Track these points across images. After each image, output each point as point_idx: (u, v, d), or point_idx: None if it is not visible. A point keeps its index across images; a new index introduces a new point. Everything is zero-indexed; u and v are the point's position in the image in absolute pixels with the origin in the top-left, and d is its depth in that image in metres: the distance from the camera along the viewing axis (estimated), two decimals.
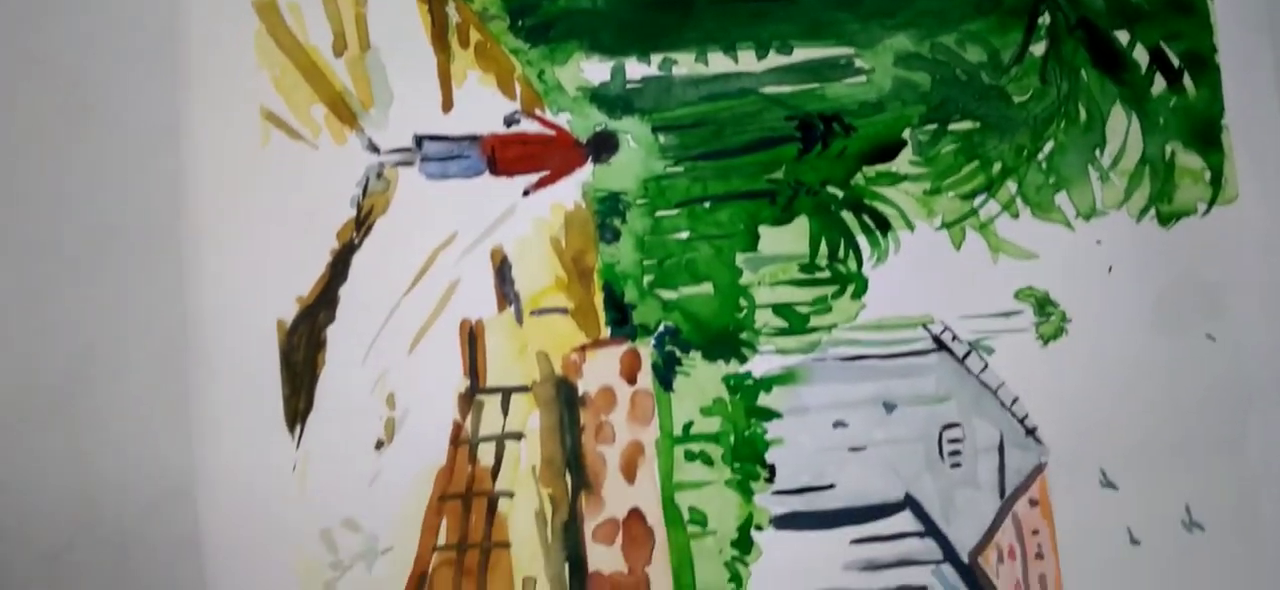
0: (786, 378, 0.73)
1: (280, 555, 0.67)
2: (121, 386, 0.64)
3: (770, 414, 0.73)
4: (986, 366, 0.74)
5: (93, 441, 0.64)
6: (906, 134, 0.71)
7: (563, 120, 0.69)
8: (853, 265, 0.70)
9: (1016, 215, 0.72)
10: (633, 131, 0.71)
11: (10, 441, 0.63)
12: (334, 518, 0.68)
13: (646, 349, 0.68)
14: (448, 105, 0.67)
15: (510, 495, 0.70)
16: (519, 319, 0.66)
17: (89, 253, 0.63)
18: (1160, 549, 0.75)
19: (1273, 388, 0.75)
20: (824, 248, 0.70)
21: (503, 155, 0.67)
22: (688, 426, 0.72)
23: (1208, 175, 0.72)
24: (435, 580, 0.68)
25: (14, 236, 0.62)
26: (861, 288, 0.71)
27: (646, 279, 0.69)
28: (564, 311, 0.67)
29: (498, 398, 0.67)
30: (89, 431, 0.64)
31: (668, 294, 0.69)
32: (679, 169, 0.70)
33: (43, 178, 0.63)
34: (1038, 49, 0.72)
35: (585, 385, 0.69)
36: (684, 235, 0.70)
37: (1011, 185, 0.72)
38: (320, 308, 0.65)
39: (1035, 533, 0.75)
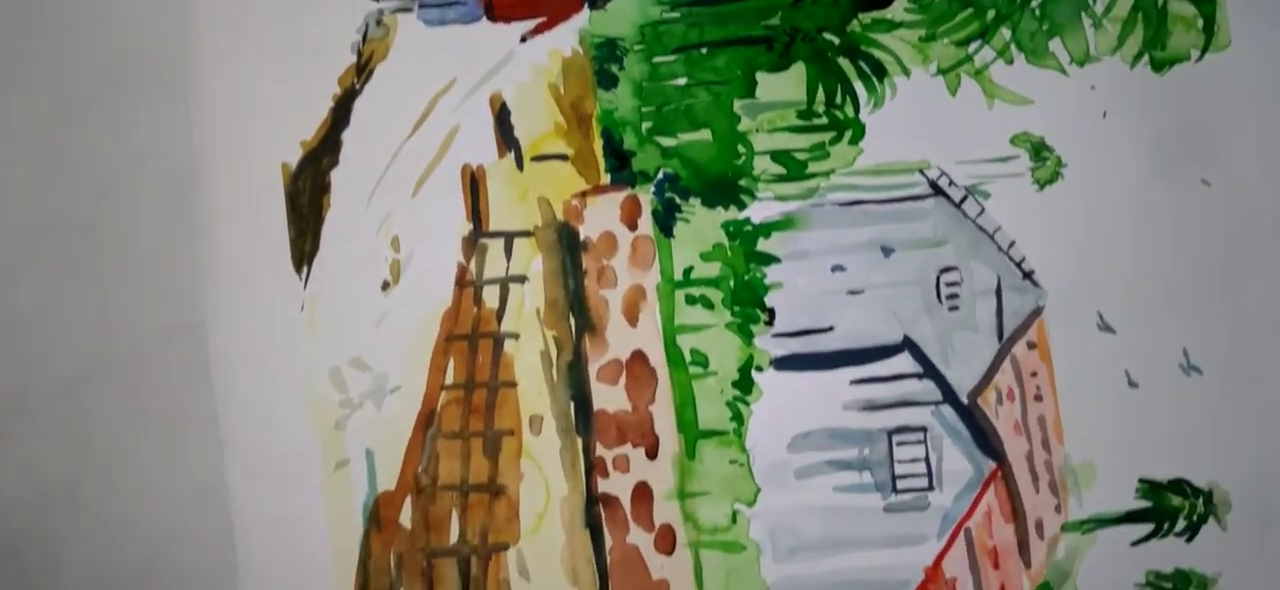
0: (785, 223, 0.74)
1: (291, 392, 0.68)
2: (132, 223, 0.66)
3: (769, 259, 0.74)
4: (983, 211, 0.75)
5: (106, 276, 0.66)
6: None
7: None
8: (850, 111, 0.71)
9: (1011, 61, 0.74)
10: None
11: (25, 277, 0.65)
12: (342, 357, 0.69)
13: (646, 195, 0.69)
14: None
15: (516, 337, 0.71)
16: (519, 165, 0.68)
17: (100, 91, 0.65)
18: (1158, 392, 0.75)
19: (1267, 233, 0.76)
20: (821, 94, 0.71)
21: (499, 0, 0.68)
22: (688, 271, 0.73)
23: (1200, 22, 0.73)
24: (444, 417, 0.69)
25: (26, 74, 0.64)
26: (858, 133, 0.73)
27: (645, 125, 0.70)
28: (564, 158, 0.69)
29: (501, 242, 0.69)
30: (101, 266, 0.66)
31: (666, 140, 0.70)
32: (675, 14, 0.71)
33: (53, 13, 0.65)
34: None
35: (586, 231, 0.70)
36: (681, 82, 0.71)
37: (1005, 31, 0.73)
38: (324, 152, 0.67)
39: (1034, 375, 0.76)
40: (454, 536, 0.69)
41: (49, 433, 0.66)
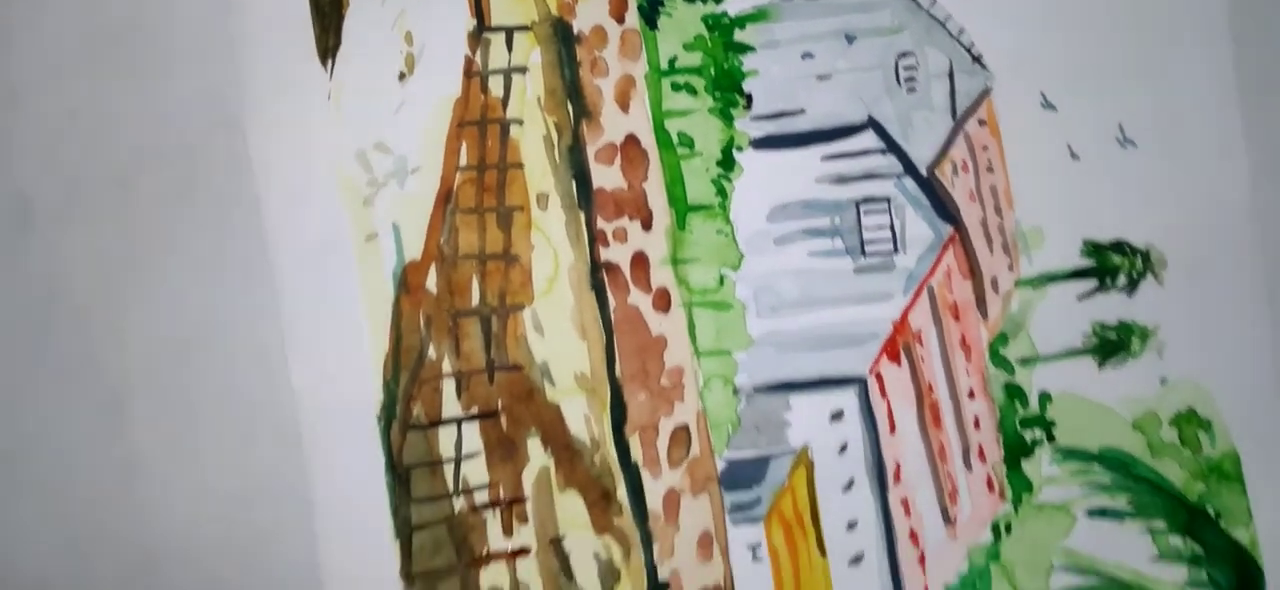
0: (758, 15, 0.81)
1: (322, 174, 0.74)
2: (175, 28, 0.73)
3: (745, 48, 0.81)
4: (936, 1, 0.82)
5: (153, 77, 0.73)
6: None
7: None
8: None
9: None
10: None
11: (80, 78, 0.72)
12: (367, 141, 0.76)
13: None
14: None
15: (520, 123, 0.77)
16: None
17: None
18: (1097, 163, 0.83)
19: (1192, 16, 0.84)
20: None
21: None
22: (672, 61, 0.80)
23: None
24: (460, 195, 0.76)
25: None
26: None
27: None
28: None
29: (502, 36, 0.76)
30: (149, 68, 0.73)
31: None
32: None
33: None
34: None
35: (579, 24, 0.77)
36: None
37: None
38: None
39: (985, 148, 0.83)
40: (475, 299, 0.75)
41: (106, 217, 0.71)
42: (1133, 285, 0.84)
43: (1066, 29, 0.83)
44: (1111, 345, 0.84)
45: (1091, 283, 0.83)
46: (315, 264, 0.75)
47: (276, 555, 0.71)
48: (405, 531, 0.73)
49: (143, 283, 0.71)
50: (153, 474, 0.69)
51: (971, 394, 0.83)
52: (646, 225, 0.79)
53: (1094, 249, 0.84)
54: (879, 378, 0.81)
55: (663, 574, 0.76)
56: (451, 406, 0.75)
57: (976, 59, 0.83)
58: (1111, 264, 0.84)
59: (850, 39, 0.82)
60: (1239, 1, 0.84)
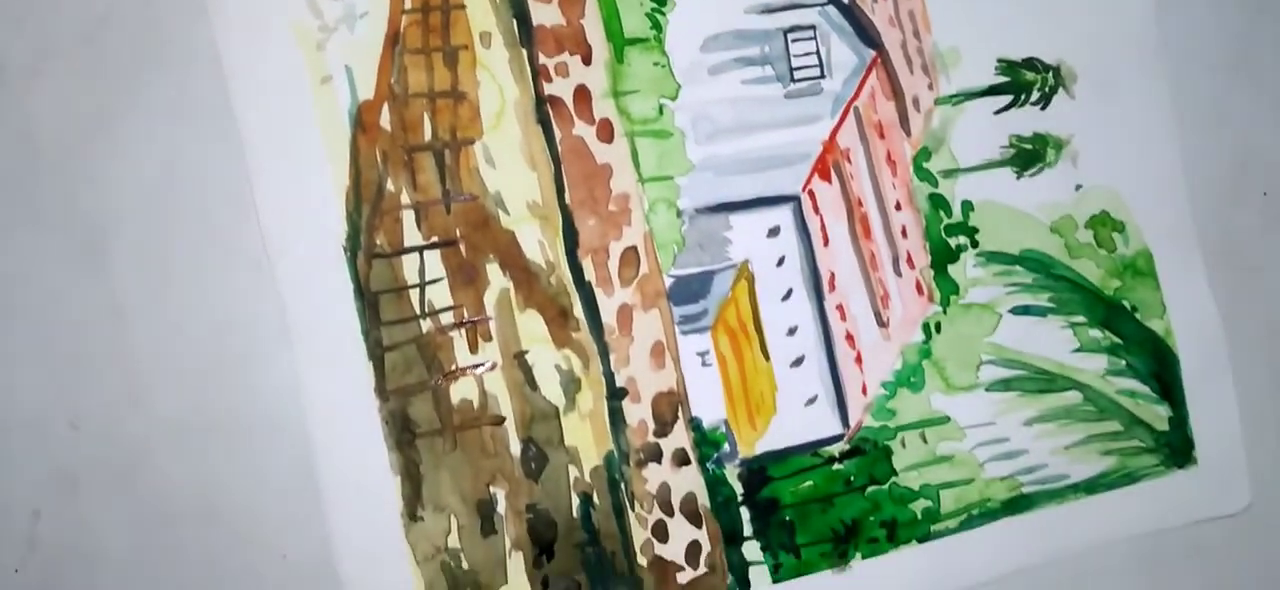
0: None
1: (276, 21, 0.79)
2: None
3: None
4: None
5: None
6: None
7: None
8: None
9: None
10: None
11: None
12: None
13: None
14: None
15: None
16: None
17: None
18: None
19: None
20: None
21: None
22: None
23: None
24: (407, 37, 0.80)
25: None
26: None
27: None
28: None
29: None
30: None
31: None
32: None
33: None
34: None
35: None
36: None
37: None
38: None
39: None
40: (428, 135, 0.79)
41: (76, 72, 0.75)
42: (1046, 100, 0.91)
43: None
44: (1028, 155, 0.90)
45: (1006, 98, 0.90)
46: (275, 107, 0.78)
47: (258, 380, 0.76)
48: (377, 352, 0.77)
49: (114, 133, 0.75)
50: (135, 309, 0.72)
51: (898, 206, 0.89)
52: (587, 60, 0.83)
53: (1008, 66, 0.90)
54: (812, 195, 0.87)
55: (620, 380, 0.81)
56: (413, 236, 0.79)
57: None
58: (1025, 80, 0.90)
59: None
60: None
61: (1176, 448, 0.92)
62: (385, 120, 0.80)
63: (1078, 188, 0.92)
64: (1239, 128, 0.92)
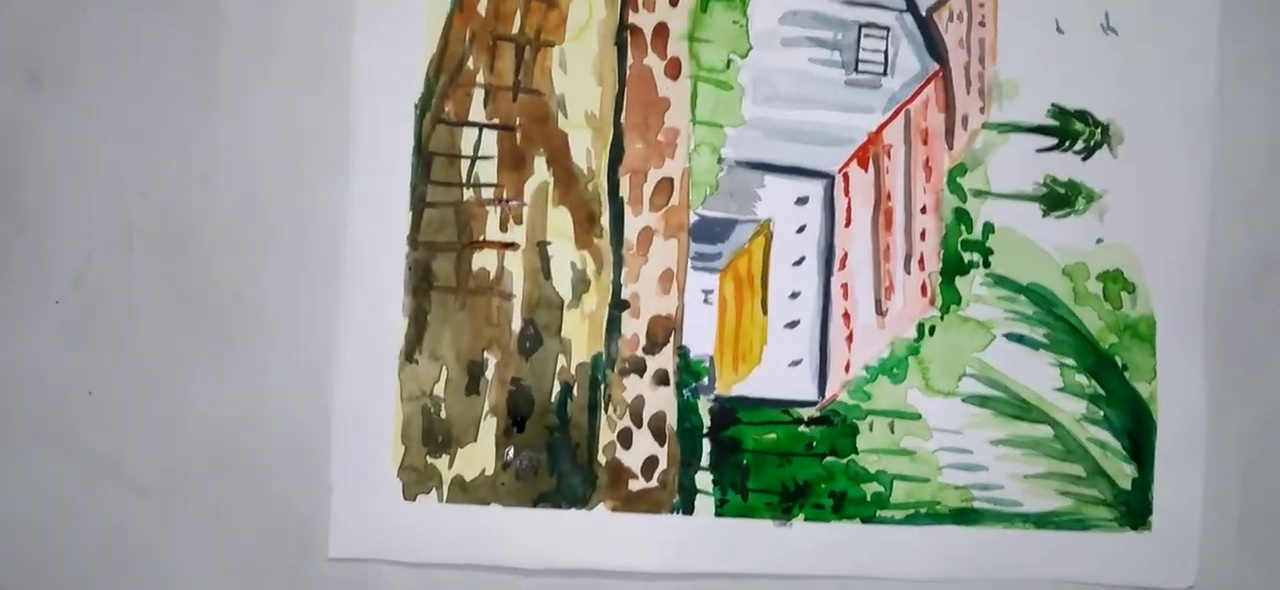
0: None
1: None
2: None
3: None
4: None
5: None
6: None
7: None
8: None
9: None
10: None
11: None
12: None
13: None
14: None
15: None
16: None
17: None
18: (1079, 40, 0.94)
19: None
20: None
21: None
22: None
23: None
24: None
25: None
26: None
27: None
28: None
29: None
30: None
31: None
32: None
33: None
34: None
35: None
36: None
37: None
38: None
39: (982, 6, 0.93)
40: (516, 28, 0.87)
41: None
42: (1089, 152, 0.94)
43: None
44: (1059, 198, 0.94)
45: (1052, 140, 0.94)
46: None
47: (310, 198, 0.85)
48: (419, 205, 0.86)
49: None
50: (225, 105, 0.83)
51: (924, 210, 0.94)
52: (674, 1, 0.90)
53: (1060, 112, 0.94)
54: (846, 177, 0.93)
55: (625, 294, 0.89)
56: (478, 112, 0.87)
57: None
58: (1074, 129, 0.94)
59: None
60: None
61: (1134, 509, 0.93)
62: (482, 6, 0.88)
63: (1099, 240, 0.95)
64: (1274, 223, 0.93)
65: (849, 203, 0.92)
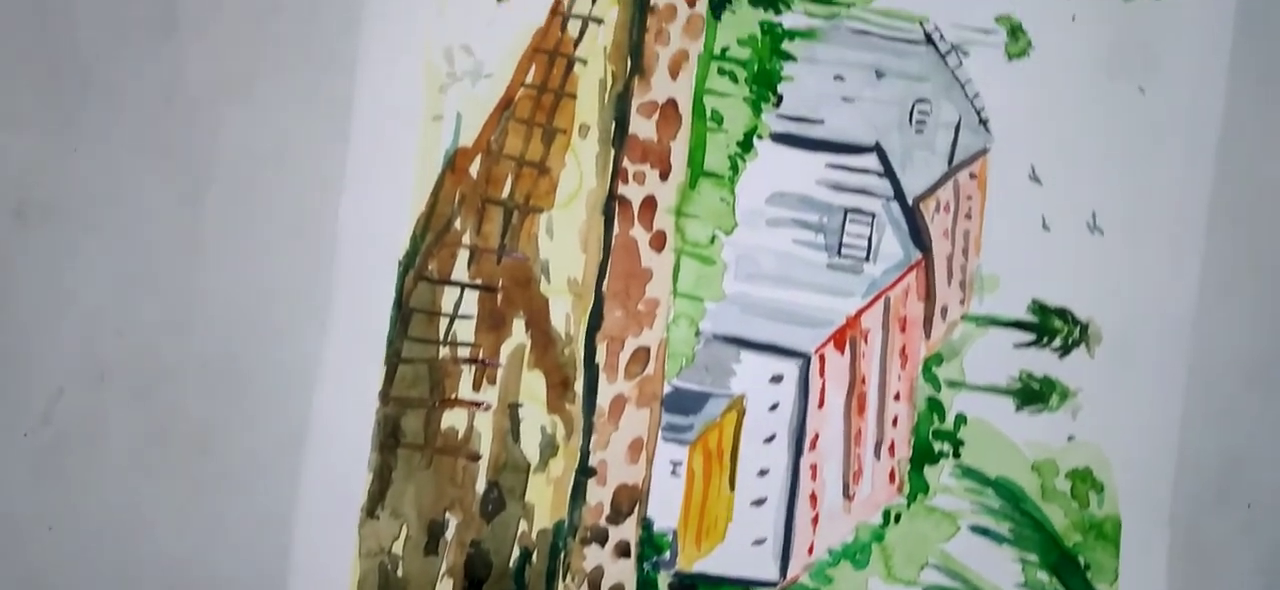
0: (808, 34, 0.92)
1: (413, 54, 0.89)
2: None
3: (789, 56, 0.91)
4: (961, 64, 0.92)
5: None
6: None
7: None
8: None
9: None
10: None
11: None
12: (456, 41, 0.88)
13: None
14: None
15: (584, 62, 0.89)
16: None
17: None
18: (1065, 238, 0.93)
19: (1175, 136, 0.95)
20: None
21: None
22: (725, 50, 0.91)
23: None
24: (518, 106, 0.88)
25: None
26: None
27: None
28: None
29: None
30: None
31: None
32: None
33: None
34: None
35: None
36: None
37: None
38: None
39: (969, 198, 0.93)
40: (506, 192, 0.88)
41: (236, 39, 0.89)
42: (1067, 349, 0.94)
43: (1066, 120, 0.93)
44: (1032, 393, 0.94)
45: (1029, 336, 0.94)
46: (388, 125, 0.87)
47: (284, 352, 0.85)
48: (394, 361, 0.86)
49: (246, 96, 0.88)
50: (207, 250, 0.86)
51: (897, 396, 0.94)
52: (664, 176, 0.90)
53: (1040, 309, 0.94)
54: (822, 358, 0.93)
55: (593, 460, 0.89)
56: (461, 272, 0.88)
57: (983, 122, 0.93)
58: (1053, 326, 0.94)
59: (879, 74, 0.93)
60: (1229, 130, 0.95)
61: None
62: (474, 169, 0.89)
63: (1070, 438, 0.94)
64: (1244, 435, 0.91)
65: (823, 384, 0.92)
